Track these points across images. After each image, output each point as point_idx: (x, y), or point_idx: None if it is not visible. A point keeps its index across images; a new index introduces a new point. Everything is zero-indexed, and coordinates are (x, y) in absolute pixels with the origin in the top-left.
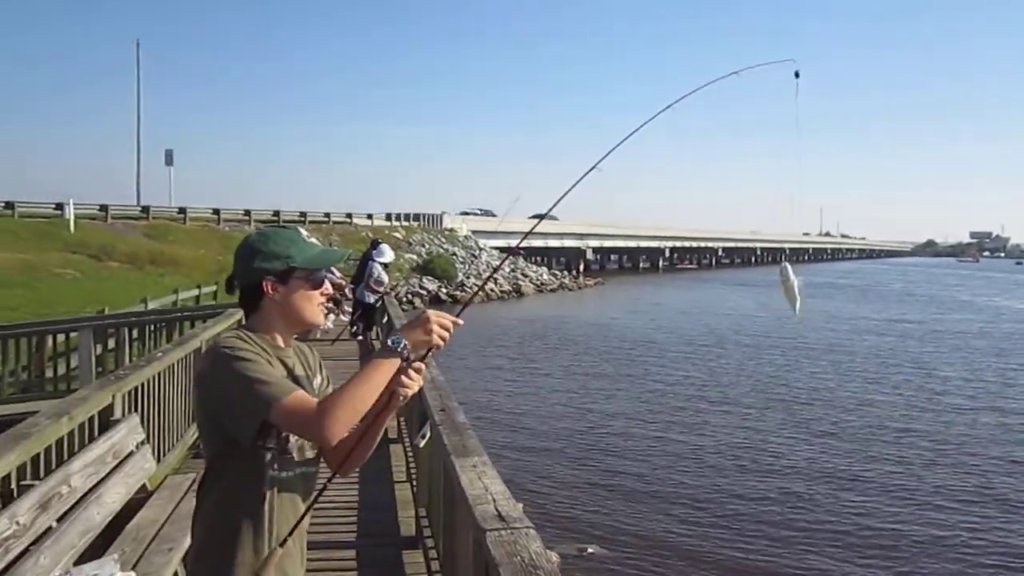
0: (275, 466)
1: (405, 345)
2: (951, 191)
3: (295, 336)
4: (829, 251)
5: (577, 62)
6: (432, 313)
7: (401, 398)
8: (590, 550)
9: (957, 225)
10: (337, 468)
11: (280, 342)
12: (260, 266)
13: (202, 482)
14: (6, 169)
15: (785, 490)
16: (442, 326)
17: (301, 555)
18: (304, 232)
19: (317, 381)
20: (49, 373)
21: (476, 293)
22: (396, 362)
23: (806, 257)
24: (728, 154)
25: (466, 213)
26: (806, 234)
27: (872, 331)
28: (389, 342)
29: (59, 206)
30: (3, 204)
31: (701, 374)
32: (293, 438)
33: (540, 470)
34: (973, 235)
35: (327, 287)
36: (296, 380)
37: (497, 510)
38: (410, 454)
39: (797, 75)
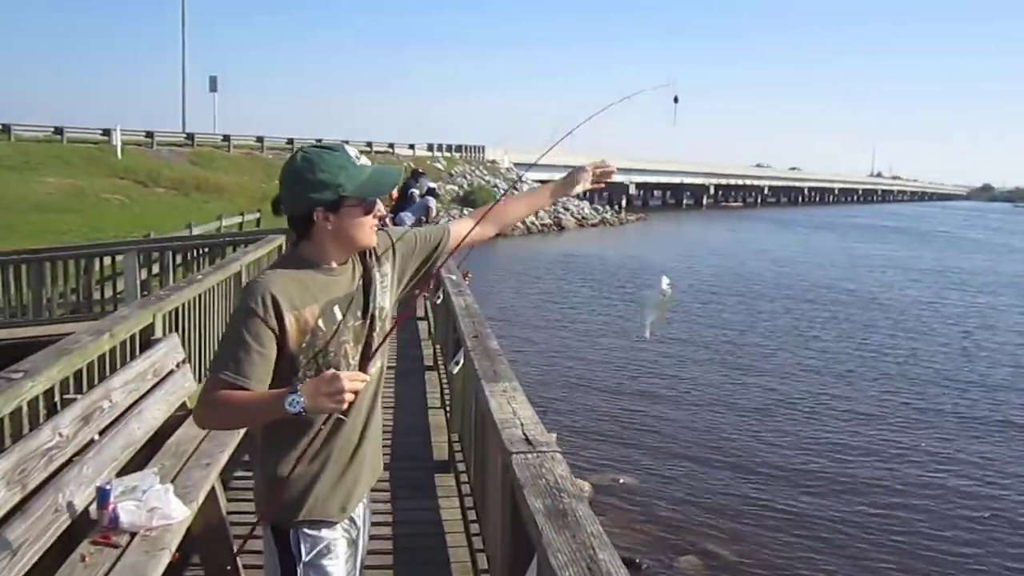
0: None
1: (303, 409)
2: (1013, 136)
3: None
4: (879, 192)
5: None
6: (344, 376)
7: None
8: (622, 480)
9: (1018, 170)
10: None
11: (334, 264)
12: (310, 196)
13: None
14: (55, 95)
15: (822, 435)
16: (352, 391)
17: (372, 464)
18: (352, 152)
19: (386, 268)
20: (97, 295)
21: (395, 327)
22: (281, 412)
23: (855, 198)
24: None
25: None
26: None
27: (920, 279)
28: (287, 402)
29: (106, 132)
30: (53, 130)
31: (741, 314)
32: (337, 358)
33: (576, 402)
34: None
35: (379, 208)
36: (344, 298)
37: (524, 434)
38: (445, 381)
39: (676, 100)
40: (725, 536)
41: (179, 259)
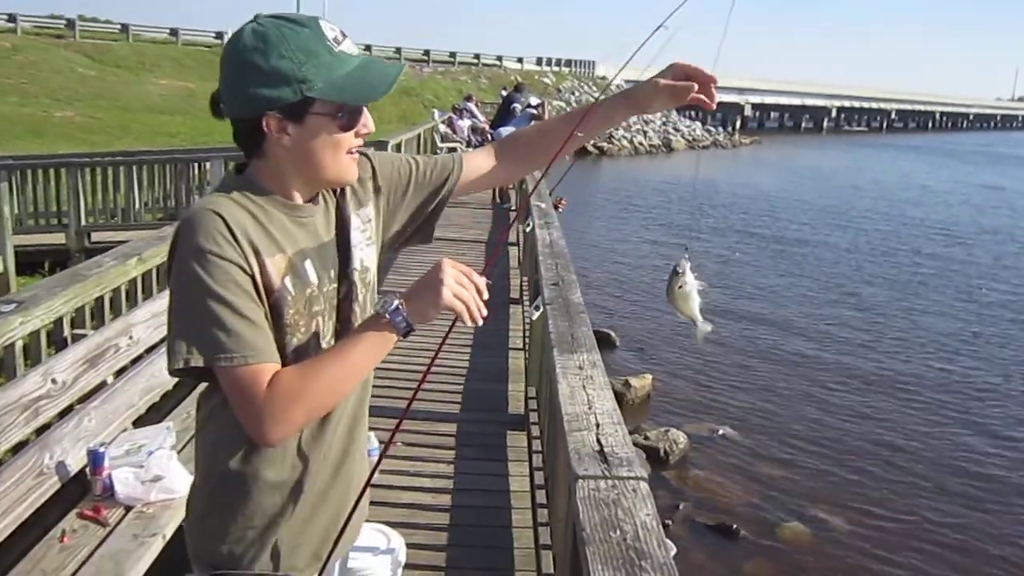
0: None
1: (404, 317)
2: None
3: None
4: (1020, 118)
5: None
6: (448, 265)
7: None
8: (722, 431)
9: None
10: None
11: (298, 199)
12: (260, 93)
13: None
14: None
15: (973, 412)
16: (461, 284)
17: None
18: (329, 31)
19: (367, 210)
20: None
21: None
22: (388, 338)
23: (993, 124)
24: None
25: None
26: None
27: None
28: (378, 308)
29: (219, 35)
30: (168, 31)
31: (867, 256)
32: (306, 338)
33: (675, 342)
34: None
35: (366, 122)
36: (318, 251)
37: (599, 442)
38: (527, 321)
39: None
40: (837, 505)
41: None
